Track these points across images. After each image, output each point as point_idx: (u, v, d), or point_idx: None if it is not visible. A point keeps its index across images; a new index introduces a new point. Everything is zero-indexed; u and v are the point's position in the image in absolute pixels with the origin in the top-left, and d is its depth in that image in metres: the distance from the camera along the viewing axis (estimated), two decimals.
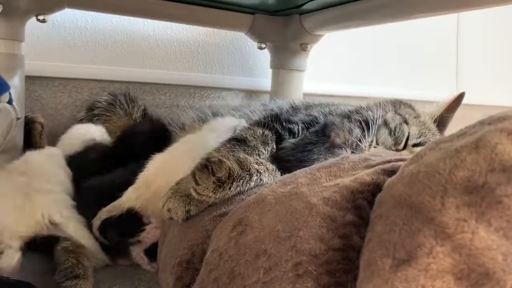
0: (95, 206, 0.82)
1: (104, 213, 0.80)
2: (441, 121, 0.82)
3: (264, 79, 1.54)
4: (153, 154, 0.86)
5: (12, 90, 0.88)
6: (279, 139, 0.81)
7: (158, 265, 0.74)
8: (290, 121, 0.84)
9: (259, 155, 0.75)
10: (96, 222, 0.81)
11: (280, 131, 0.82)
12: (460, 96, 0.82)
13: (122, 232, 0.81)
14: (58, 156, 0.97)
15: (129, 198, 0.80)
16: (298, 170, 0.60)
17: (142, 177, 0.81)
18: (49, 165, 0.91)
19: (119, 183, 0.83)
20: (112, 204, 0.80)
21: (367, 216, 0.44)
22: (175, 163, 0.81)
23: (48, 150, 0.99)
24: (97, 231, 0.81)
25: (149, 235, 0.80)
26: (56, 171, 0.90)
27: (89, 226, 0.82)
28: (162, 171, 0.81)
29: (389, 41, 1.80)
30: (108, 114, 1.24)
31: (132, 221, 0.80)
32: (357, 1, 1.12)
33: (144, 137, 1.06)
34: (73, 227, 0.80)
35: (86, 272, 0.76)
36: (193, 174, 0.63)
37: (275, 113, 0.87)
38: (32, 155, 0.93)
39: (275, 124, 0.82)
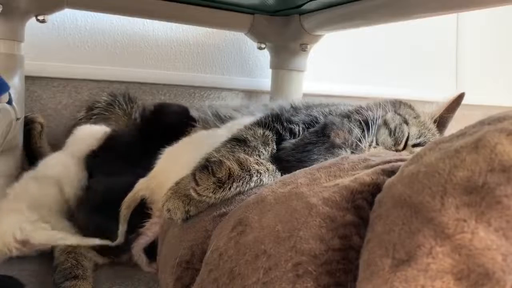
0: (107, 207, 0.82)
1: (124, 210, 0.80)
2: (441, 121, 0.82)
3: (264, 79, 1.55)
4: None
5: (11, 90, 0.88)
6: (279, 140, 0.81)
7: (157, 266, 0.74)
8: (291, 121, 0.83)
9: (260, 156, 0.75)
10: (123, 227, 0.80)
11: (281, 132, 0.81)
12: (460, 97, 0.82)
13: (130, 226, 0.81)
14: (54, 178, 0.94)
15: (141, 188, 0.80)
16: (298, 170, 0.59)
17: (153, 169, 0.82)
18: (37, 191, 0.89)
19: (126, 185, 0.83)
20: (127, 198, 0.80)
21: (367, 216, 0.44)
22: (183, 156, 0.81)
23: (42, 171, 0.96)
24: (123, 235, 0.80)
25: (149, 230, 0.80)
26: (42, 195, 0.89)
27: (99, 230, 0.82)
28: (170, 164, 0.81)
29: (389, 41, 1.81)
30: (107, 114, 1.24)
31: (139, 215, 0.80)
32: (357, 1, 1.12)
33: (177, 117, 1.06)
34: (40, 236, 0.79)
35: (85, 272, 0.76)
36: (193, 174, 0.63)
37: (276, 113, 0.87)
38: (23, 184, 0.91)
39: (276, 124, 0.82)
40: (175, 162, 0.81)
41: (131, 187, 0.82)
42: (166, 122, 1.04)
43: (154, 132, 1.01)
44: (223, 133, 0.86)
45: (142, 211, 0.80)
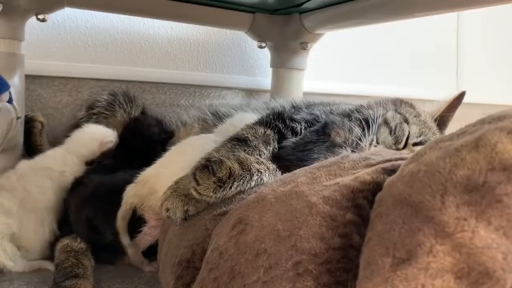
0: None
1: (120, 222, 0.79)
2: (442, 120, 0.82)
3: (264, 78, 1.54)
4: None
5: (12, 89, 0.88)
6: (281, 138, 0.80)
7: (158, 264, 0.74)
8: (293, 120, 0.83)
9: (260, 155, 0.75)
10: (125, 239, 0.80)
11: (282, 130, 0.81)
12: (461, 95, 0.82)
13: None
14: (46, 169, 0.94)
15: (128, 196, 0.80)
16: (298, 169, 0.59)
17: (142, 175, 0.82)
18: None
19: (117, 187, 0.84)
20: (119, 211, 0.80)
21: (367, 215, 0.44)
22: (174, 162, 0.81)
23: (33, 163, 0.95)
24: (130, 245, 0.80)
25: (146, 235, 0.80)
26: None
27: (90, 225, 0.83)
28: (161, 170, 0.81)
29: (390, 40, 1.80)
30: (107, 113, 1.24)
31: (133, 222, 0.80)
32: (357, 0, 1.11)
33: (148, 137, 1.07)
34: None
35: (86, 271, 0.76)
36: (193, 174, 0.63)
37: (278, 111, 0.87)
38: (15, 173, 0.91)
39: (277, 122, 0.81)
40: (167, 166, 0.81)
41: (122, 183, 0.82)
42: (140, 137, 1.06)
43: (129, 146, 1.04)
44: (215, 137, 0.86)
45: (135, 217, 0.80)
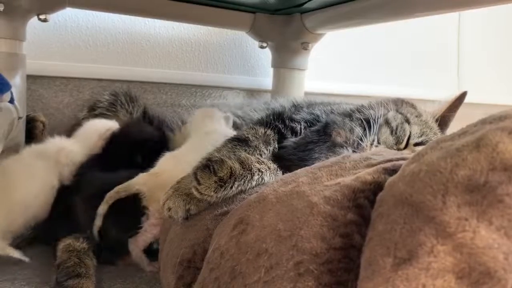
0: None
1: (112, 194, 0.80)
2: (443, 120, 0.82)
3: (265, 78, 1.55)
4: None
5: (13, 89, 0.89)
6: (281, 138, 0.81)
7: (159, 264, 0.74)
8: (293, 120, 0.83)
9: (261, 155, 0.75)
10: (104, 206, 0.80)
11: (282, 130, 0.81)
12: (462, 96, 0.82)
13: (122, 227, 0.81)
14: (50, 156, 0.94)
15: (138, 182, 0.81)
16: (299, 169, 0.60)
17: (157, 166, 0.83)
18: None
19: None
20: (121, 185, 0.81)
21: (368, 215, 0.44)
22: (188, 158, 0.81)
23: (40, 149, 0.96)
24: (100, 221, 0.81)
25: (146, 232, 0.80)
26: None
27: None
28: (175, 164, 0.82)
29: (391, 40, 1.80)
30: (109, 113, 1.24)
31: (133, 214, 0.80)
32: (358, 0, 1.12)
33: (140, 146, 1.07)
34: None
35: (88, 271, 0.76)
36: (194, 173, 0.63)
37: (278, 112, 0.87)
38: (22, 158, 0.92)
39: (277, 123, 0.82)
40: (180, 162, 0.81)
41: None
42: (131, 141, 1.05)
43: (118, 149, 1.03)
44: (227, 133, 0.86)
45: (138, 211, 0.80)
